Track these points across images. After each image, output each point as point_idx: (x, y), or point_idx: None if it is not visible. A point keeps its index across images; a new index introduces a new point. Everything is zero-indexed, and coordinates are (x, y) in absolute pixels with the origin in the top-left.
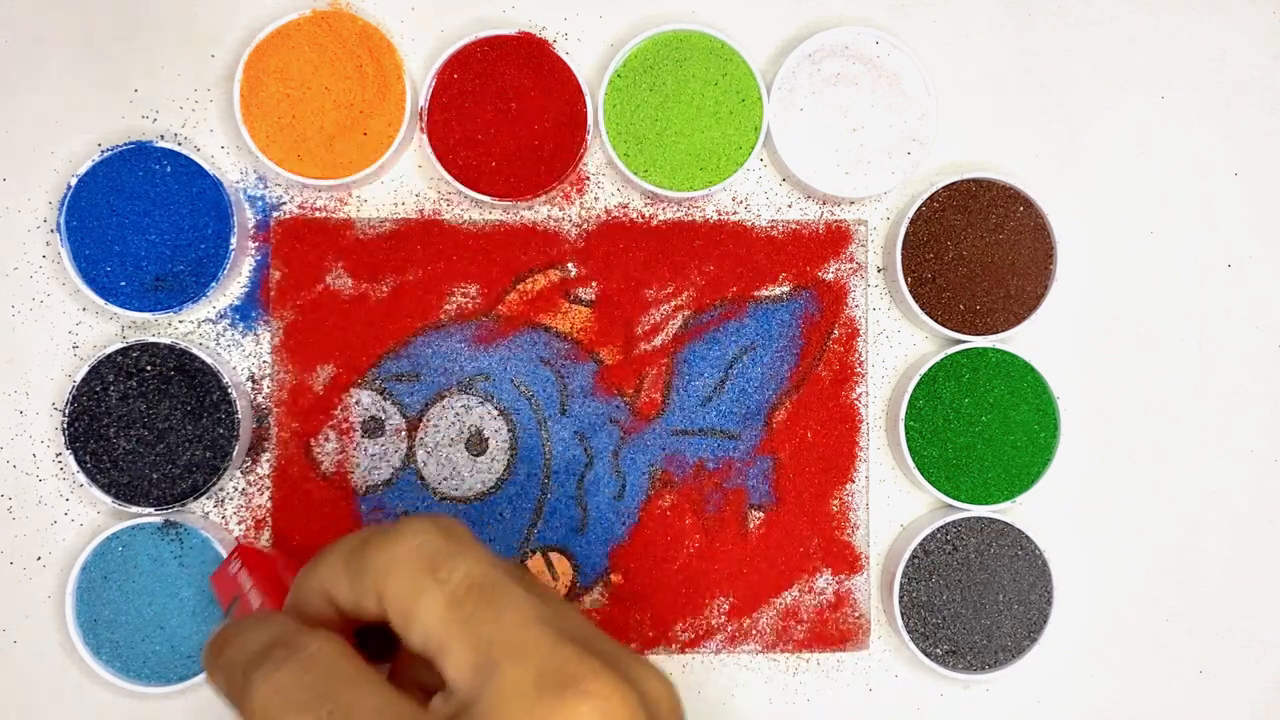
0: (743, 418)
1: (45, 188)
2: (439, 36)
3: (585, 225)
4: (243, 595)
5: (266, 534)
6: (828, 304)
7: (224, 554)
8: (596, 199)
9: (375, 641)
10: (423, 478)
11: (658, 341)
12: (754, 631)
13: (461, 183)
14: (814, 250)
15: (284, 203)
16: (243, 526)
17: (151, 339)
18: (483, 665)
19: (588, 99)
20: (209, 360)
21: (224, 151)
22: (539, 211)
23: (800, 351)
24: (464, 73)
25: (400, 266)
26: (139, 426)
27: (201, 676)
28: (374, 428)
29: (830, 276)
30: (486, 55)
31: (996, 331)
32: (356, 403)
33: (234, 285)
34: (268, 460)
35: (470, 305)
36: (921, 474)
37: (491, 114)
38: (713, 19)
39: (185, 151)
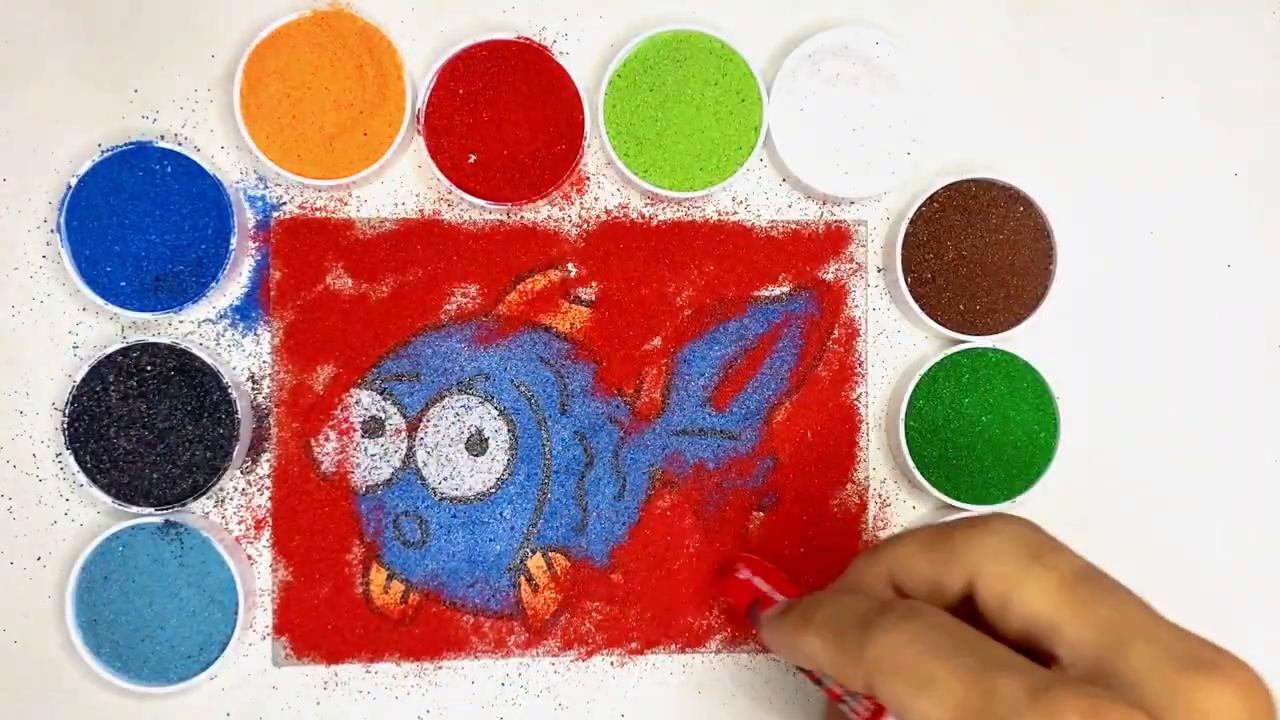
0: (743, 418)
1: (45, 188)
2: (439, 37)
3: (585, 225)
4: (762, 595)
5: (266, 534)
6: (828, 304)
7: (224, 554)
8: (596, 199)
9: None
10: (423, 478)
11: (657, 341)
12: (754, 631)
13: (459, 186)
14: (814, 250)
15: (284, 203)
16: (243, 526)
17: (151, 339)
18: (1108, 644)
19: (585, 106)
20: (209, 360)
21: (224, 151)
22: (539, 212)
23: (800, 351)
24: (462, 78)
25: (400, 266)
26: (139, 426)
27: (202, 676)
28: (374, 428)
29: (830, 276)
30: (484, 60)
31: (996, 331)
32: (356, 403)
33: (234, 285)
34: (268, 460)
35: (470, 305)
36: (921, 474)
37: (488, 120)
38: (713, 19)
39: (185, 151)
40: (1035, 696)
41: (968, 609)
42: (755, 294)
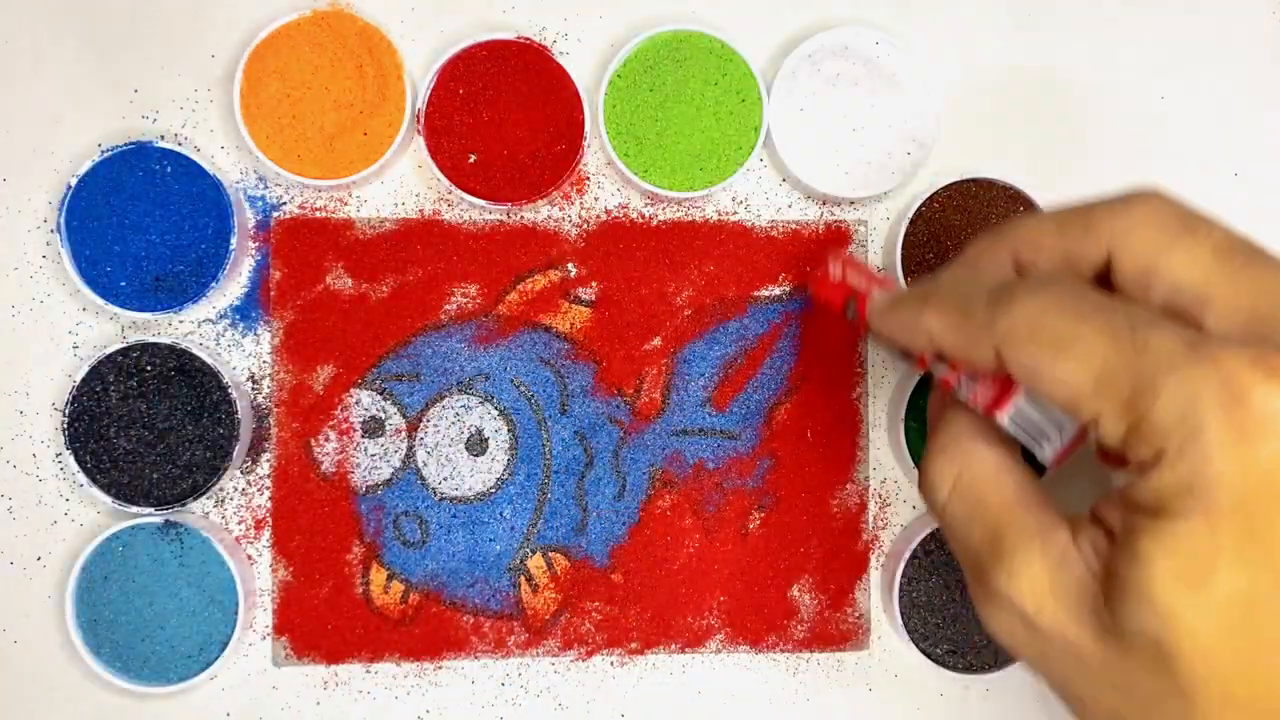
0: (743, 418)
1: (45, 188)
2: (439, 37)
3: (585, 226)
4: (859, 292)
5: (266, 534)
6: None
7: (224, 554)
8: (596, 199)
9: None
10: (423, 478)
11: (657, 341)
12: (753, 631)
13: (459, 186)
14: (814, 250)
15: (284, 203)
16: (243, 526)
17: (151, 339)
18: (1264, 312)
19: (585, 106)
20: (209, 360)
21: (224, 151)
22: (539, 212)
23: (800, 351)
24: (462, 78)
25: (400, 266)
26: (139, 426)
27: (202, 676)
28: (374, 428)
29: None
30: (484, 60)
31: None
32: (356, 403)
33: (234, 285)
34: (268, 460)
35: (470, 305)
36: None
37: (488, 120)
38: (713, 19)
39: (185, 151)
40: (1194, 348)
41: (1102, 286)
42: (755, 294)
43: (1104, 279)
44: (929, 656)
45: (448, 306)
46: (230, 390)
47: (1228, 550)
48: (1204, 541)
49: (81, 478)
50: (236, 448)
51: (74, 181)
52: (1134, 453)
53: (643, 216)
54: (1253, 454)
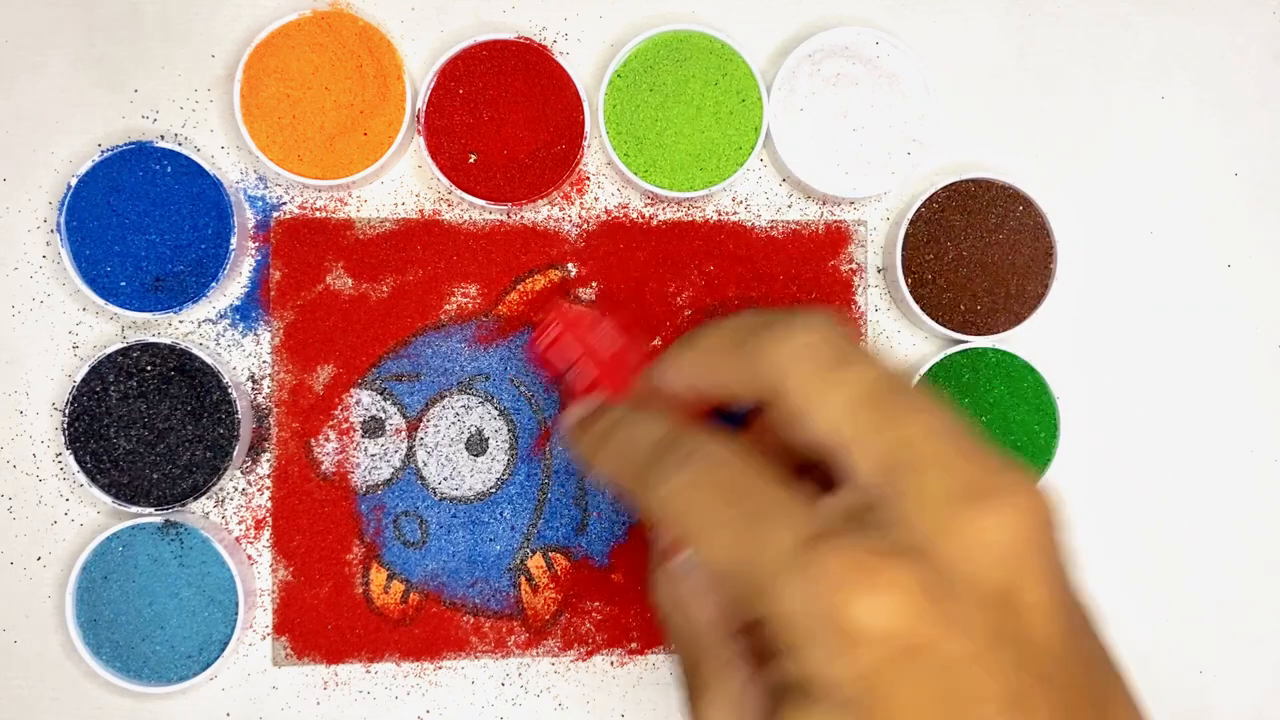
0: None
1: (45, 188)
2: (439, 37)
3: (585, 225)
4: (576, 365)
5: (266, 534)
6: (827, 304)
7: (224, 554)
8: (596, 199)
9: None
10: (423, 478)
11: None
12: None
13: (458, 187)
14: (814, 250)
15: (284, 203)
16: (243, 526)
17: (151, 339)
18: (896, 466)
19: (585, 106)
20: (209, 360)
21: (224, 151)
22: (539, 212)
23: None
24: (462, 78)
25: (400, 266)
26: (139, 426)
27: (202, 676)
28: (374, 428)
29: (830, 277)
30: (484, 60)
31: (996, 331)
32: (356, 403)
33: (234, 285)
34: (268, 460)
35: (470, 305)
36: None
37: (488, 120)
38: (713, 19)
39: (185, 151)
40: (798, 554)
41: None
42: (755, 294)
43: None
44: None
45: (448, 306)
46: (230, 390)
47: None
48: None
49: (81, 478)
50: (236, 448)
51: (74, 181)
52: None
53: (643, 216)
54: (854, 662)
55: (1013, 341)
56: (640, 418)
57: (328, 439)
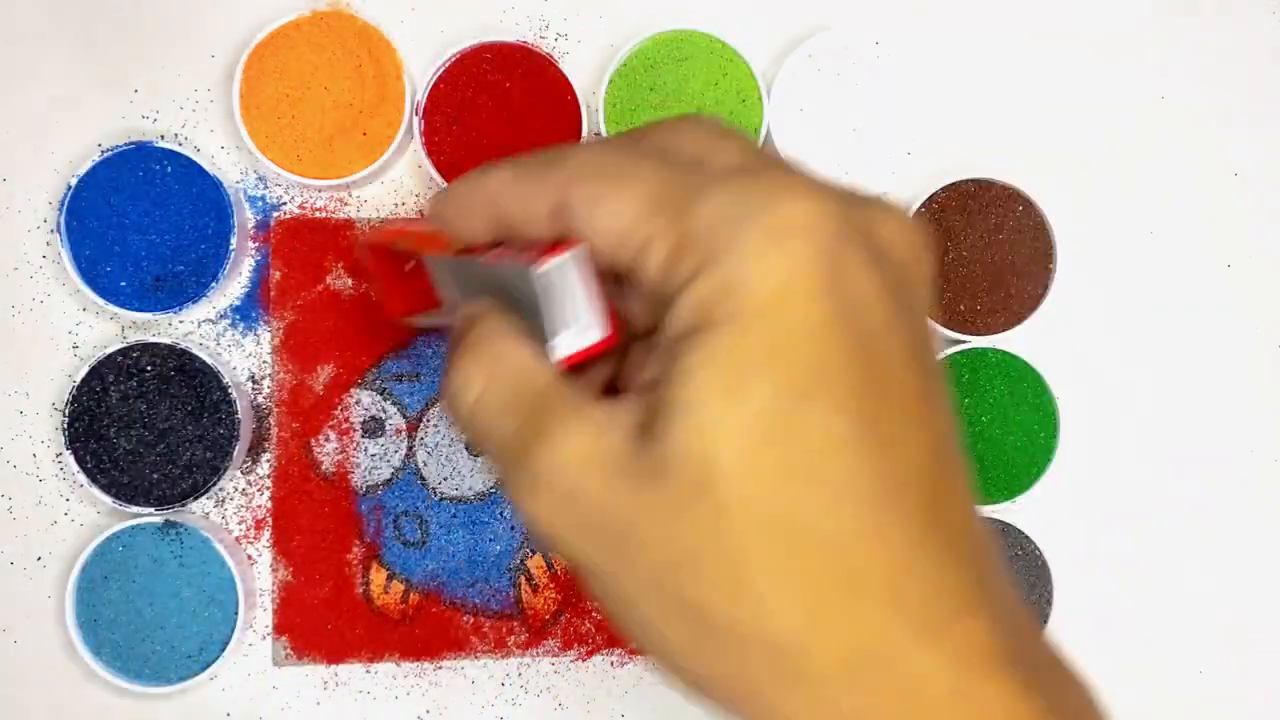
0: None
1: (45, 188)
2: (439, 37)
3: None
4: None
5: (266, 534)
6: None
7: (224, 554)
8: None
9: None
10: (423, 478)
11: None
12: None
13: None
14: None
15: (284, 203)
16: (243, 526)
17: (151, 339)
18: (691, 243)
19: (585, 106)
20: (209, 360)
21: (224, 151)
22: None
23: None
24: (461, 78)
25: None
26: (139, 426)
27: (202, 676)
28: (374, 428)
29: None
30: (484, 61)
31: (996, 331)
32: (356, 403)
33: (234, 285)
34: (268, 460)
35: None
36: None
37: (488, 120)
38: (713, 19)
39: (185, 151)
40: (744, 169)
41: None
42: None
43: None
44: None
45: None
46: (230, 390)
47: (756, 358)
48: (738, 349)
49: (81, 478)
50: (236, 448)
51: (74, 181)
52: (676, 275)
53: None
54: (775, 256)
55: (1013, 341)
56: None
57: (328, 439)
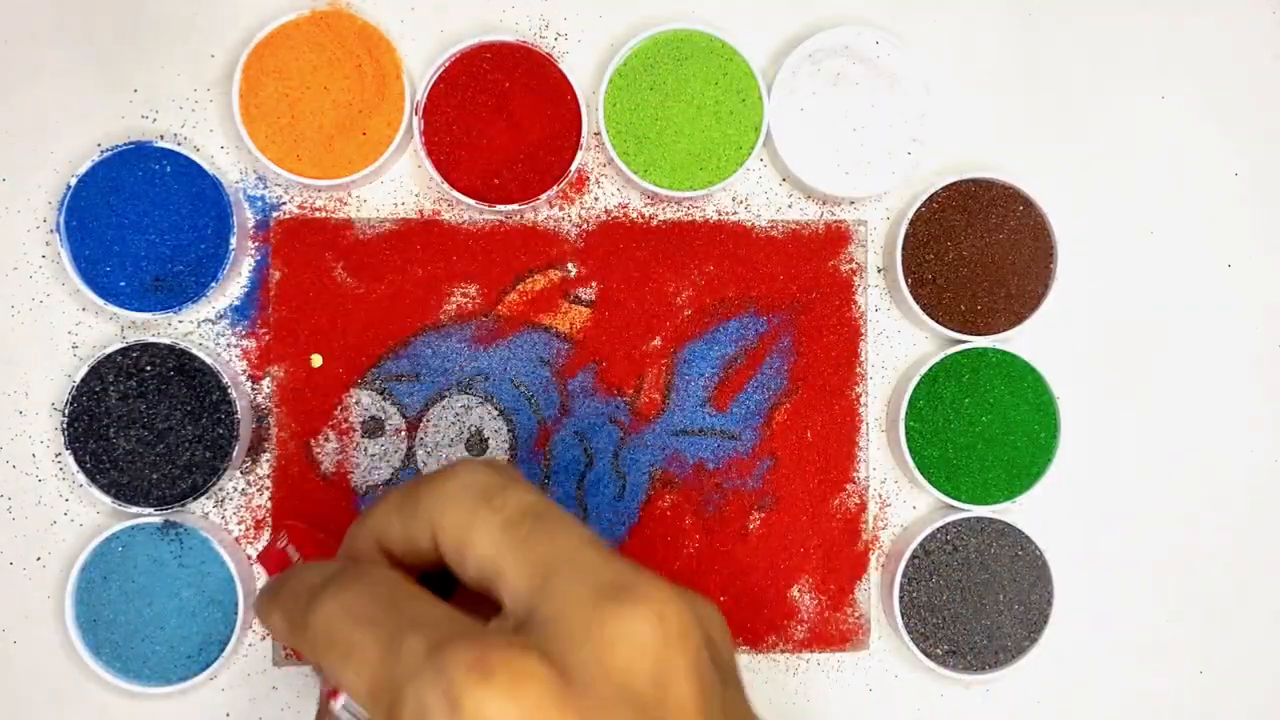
0: (742, 418)
1: (45, 188)
2: (439, 37)
3: (585, 225)
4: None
5: (266, 534)
6: (828, 304)
7: (224, 554)
8: (596, 199)
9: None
10: None
11: (657, 341)
12: (753, 632)
13: (456, 188)
14: (814, 250)
15: (284, 203)
16: (242, 526)
17: (151, 339)
18: (539, 585)
19: (585, 106)
20: (209, 360)
21: (224, 151)
22: (539, 212)
23: (800, 351)
24: (461, 77)
25: (400, 266)
26: (139, 426)
27: (202, 676)
28: (374, 428)
29: (830, 277)
30: (484, 61)
31: (996, 331)
32: (356, 403)
33: (234, 285)
34: (268, 460)
35: (470, 305)
36: (921, 474)
37: (487, 122)
38: (713, 19)
39: (185, 151)
40: (431, 654)
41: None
42: (755, 294)
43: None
44: (929, 656)
45: (447, 306)
46: (230, 390)
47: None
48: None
49: (81, 478)
50: (236, 448)
51: (74, 181)
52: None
53: (643, 216)
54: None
55: (1013, 341)
56: (312, 564)
57: (328, 439)
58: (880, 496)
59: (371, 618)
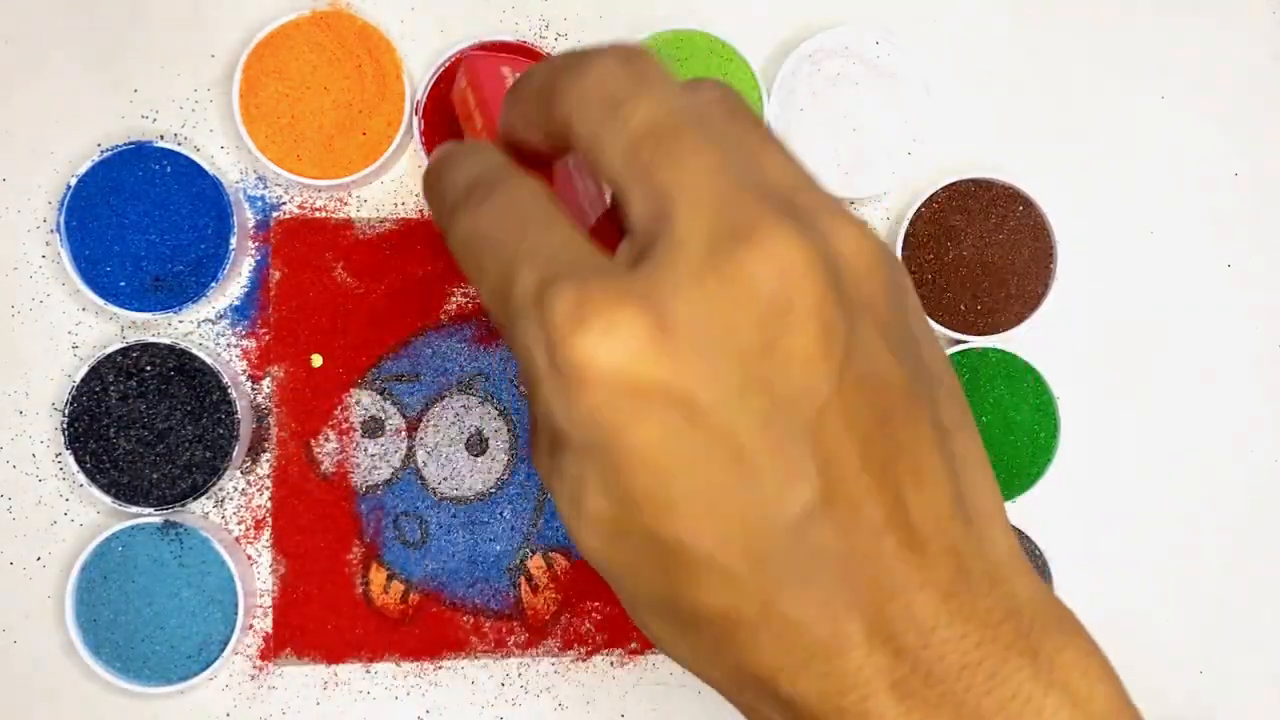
0: None
1: (45, 188)
2: (439, 37)
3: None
4: (470, 114)
5: (266, 534)
6: None
7: (224, 554)
8: None
9: None
10: (423, 478)
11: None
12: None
13: None
14: None
15: (284, 203)
16: (242, 526)
17: (151, 339)
18: (656, 217)
19: None
20: (209, 360)
21: (224, 151)
22: None
23: None
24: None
25: (400, 266)
26: (139, 426)
27: (202, 676)
28: (374, 428)
29: None
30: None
31: (996, 331)
32: (356, 403)
33: (234, 285)
34: (268, 460)
35: (470, 305)
36: None
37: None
38: (713, 19)
39: (185, 151)
40: (538, 294)
41: None
42: None
43: None
44: None
45: (447, 306)
46: (230, 390)
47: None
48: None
49: (81, 478)
50: (236, 448)
51: (74, 181)
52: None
53: None
54: (578, 402)
55: (1013, 341)
56: (465, 153)
57: (328, 439)
58: None
59: (500, 241)
